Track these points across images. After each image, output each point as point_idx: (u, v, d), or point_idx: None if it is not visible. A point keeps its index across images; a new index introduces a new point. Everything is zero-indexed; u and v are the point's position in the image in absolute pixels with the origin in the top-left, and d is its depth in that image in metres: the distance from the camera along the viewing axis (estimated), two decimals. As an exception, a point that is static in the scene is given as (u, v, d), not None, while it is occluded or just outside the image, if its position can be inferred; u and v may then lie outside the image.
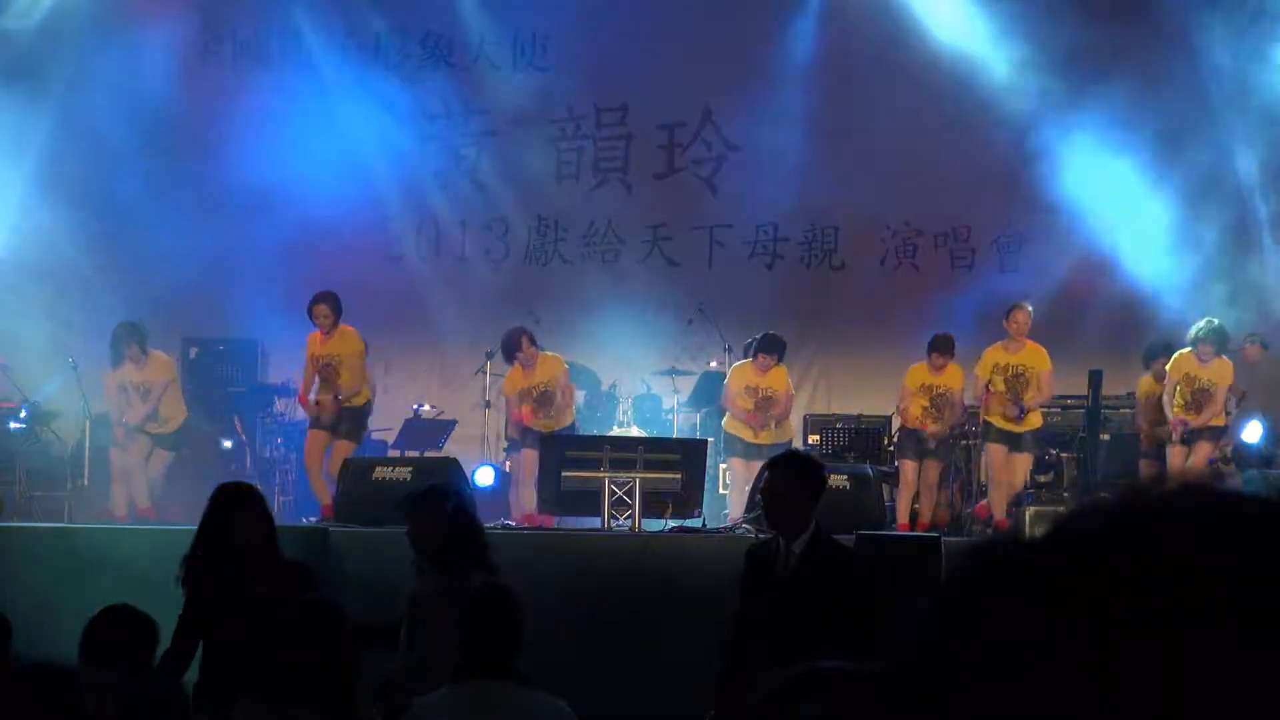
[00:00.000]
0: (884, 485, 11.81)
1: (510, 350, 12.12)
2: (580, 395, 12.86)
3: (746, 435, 12.05)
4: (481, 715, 4.62)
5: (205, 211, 15.16)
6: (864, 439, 13.38)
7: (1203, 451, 11.63)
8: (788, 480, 6.09)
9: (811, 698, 1.60)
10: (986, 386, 11.79)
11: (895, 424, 13.75)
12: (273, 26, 15.62)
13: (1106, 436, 12.81)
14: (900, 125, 15.33)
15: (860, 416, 13.79)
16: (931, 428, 11.85)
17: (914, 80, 15.29)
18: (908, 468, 11.89)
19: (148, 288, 14.27)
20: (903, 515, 11.73)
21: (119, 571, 8.45)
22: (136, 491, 11.80)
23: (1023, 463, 11.86)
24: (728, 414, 12.29)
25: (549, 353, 12.28)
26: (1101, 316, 13.49)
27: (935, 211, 15.64)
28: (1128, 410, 13.35)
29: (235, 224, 15.19)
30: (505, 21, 15.45)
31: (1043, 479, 12.60)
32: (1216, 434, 11.77)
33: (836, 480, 10.17)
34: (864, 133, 15.46)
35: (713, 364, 14.15)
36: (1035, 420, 11.86)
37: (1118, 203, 15.04)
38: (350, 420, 11.68)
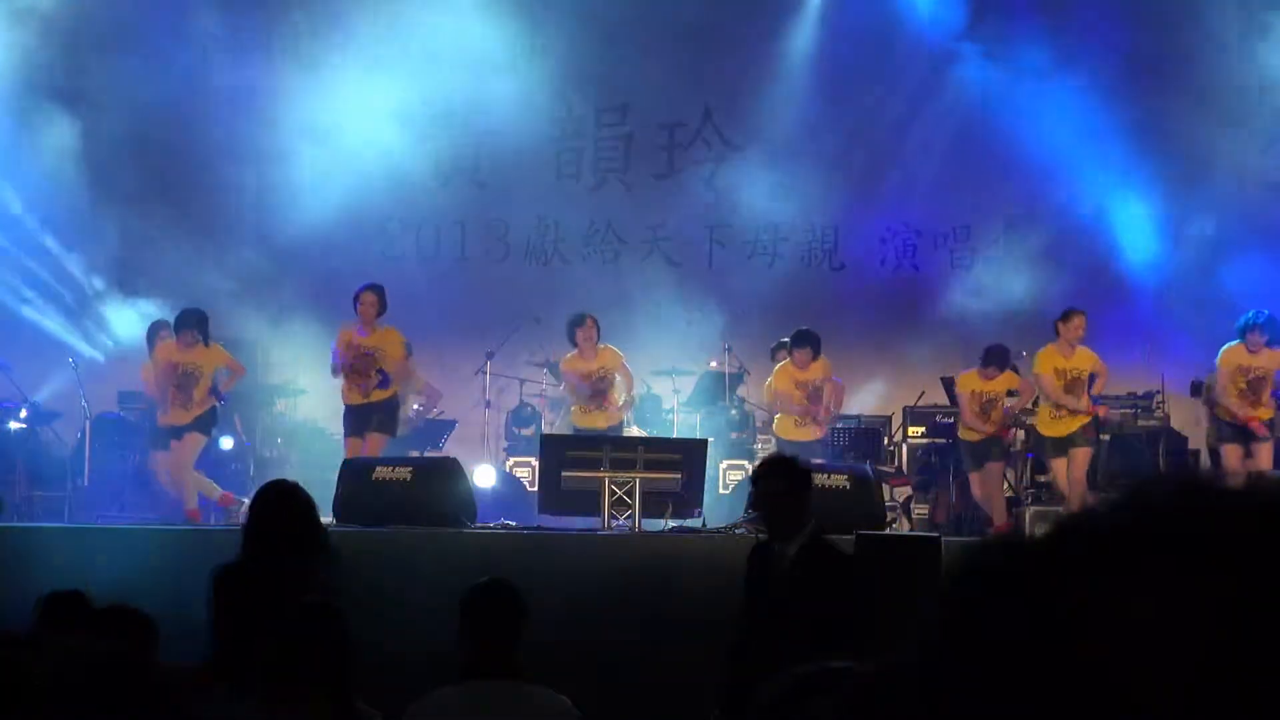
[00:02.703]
0: (883, 485, 11.83)
1: (571, 332, 12.17)
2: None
3: (799, 435, 12.06)
4: (484, 714, 4.62)
5: (206, 212, 15.17)
6: (864, 439, 13.38)
7: (1266, 450, 11.51)
8: (781, 486, 6.18)
9: (819, 697, 1.60)
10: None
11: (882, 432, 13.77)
12: (272, 27, 15.61)
13: (1106, 436, 12.82)
14: (900, 125, 15.34)
15: (860, 416, 13.80)
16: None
17: (913, 80, 15.31)
18: (973, 480, 12.12)
19: (149, 287, 14.27)
20: (1000, 517, 11.90)
21: (118, 571, 8.45)
22: (187, 494, 11.69)
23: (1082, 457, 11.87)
24: (777, 416, 12.34)
25: (609, 345, 12.37)
26: (1102, 317, 13.47)
27: (935, 211, 15.65)
28: (1128, 410, 13.35)
29: (235, 224, 15.20)
30: (505, 21, 15.44)
31: (1043, 479, 12.61)
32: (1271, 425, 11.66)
33: (837, 480, 10.17)
34: (863, 133, 15.46)
35: (713, 364, 14.14)
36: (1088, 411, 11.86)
37: (1119, 202, 15.05)
38: (382, 413, 11.76)
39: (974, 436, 12.10)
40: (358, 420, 11.78)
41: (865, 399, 14.29)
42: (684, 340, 14.76)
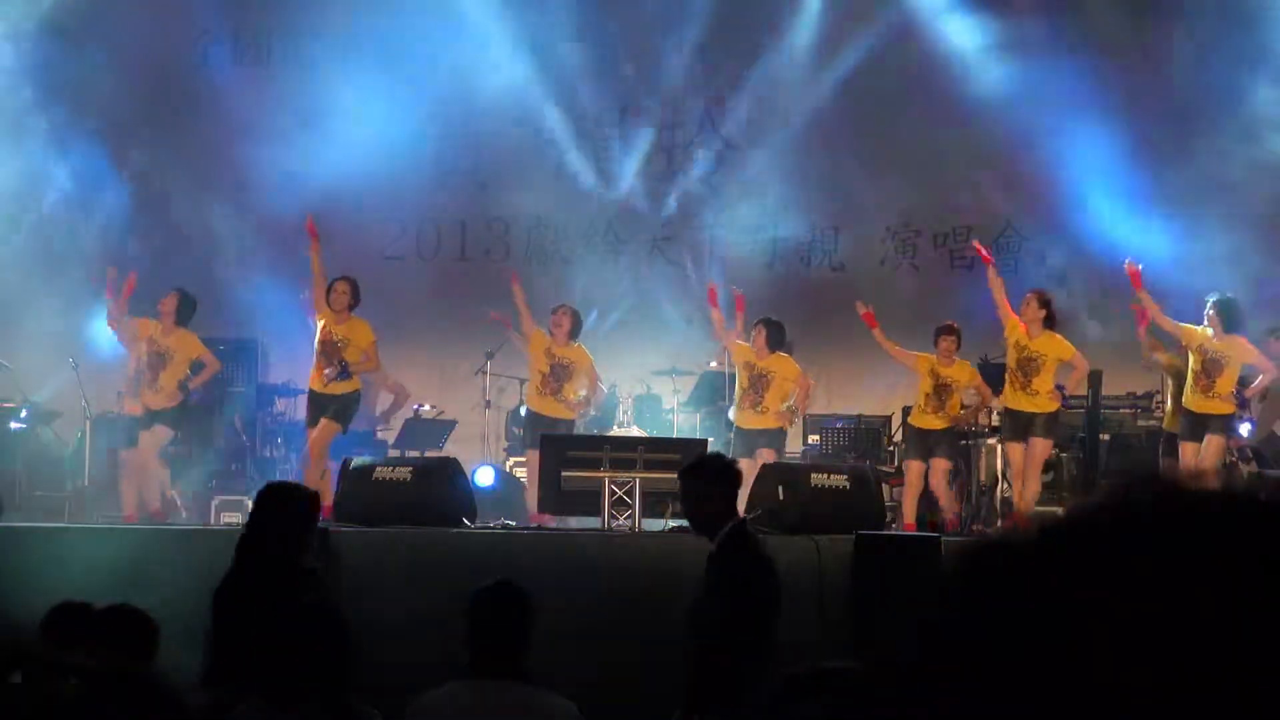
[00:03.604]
0: (883, 485, 11.80)
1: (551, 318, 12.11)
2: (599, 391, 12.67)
3: (745, 423, 11.91)
4: (486, 714, 4.62)
5: (206, 212, 15.16)
6: (864, 439, 13.38)
7: (1215, 445, 11.30)
8: (694, 485, 6.29)
9: (812, 697, 1.60)
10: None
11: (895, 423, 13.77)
12: (273, 25, 15.61)
13: (1106, 436, 12.81)
14: (900, 124, 15.34)
15: (860, 417, 13.79)
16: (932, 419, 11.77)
17: (914, 80, 15.31)
18: (912, 468, 11.82)
19: (148, 288, 14.26)
20: (909, 515, 11.69)
21: (119, 571, 8.45)
22: (148, 491, 11.62)
23: (1042, 448, 11.58)
24: (734, 403, 12.18)
25: (581, 345, 12.28)
26: (1102, 317, 13.50)
27: (935, 211, 15.65)
28: (1128, 410, 13.34)
29: (235, 224, 15.20)
30: (505, 21, 15.44)
31: (1043, 479, 12.58)
32: (1227, 423, 11.45)
33: (837, 480, 10.16)
34: (864, 132, 15.47)
35: (713, 364, 14.15)
36: (1048, 404, 11.57)
37: (1119, 201, 15.04)
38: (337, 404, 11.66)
39: (925, 423, 11.76)
40: (316, 408, 11.66)
41: (865, 399, 14.27)
42: (684, 340, 14.75)
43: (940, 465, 11.76)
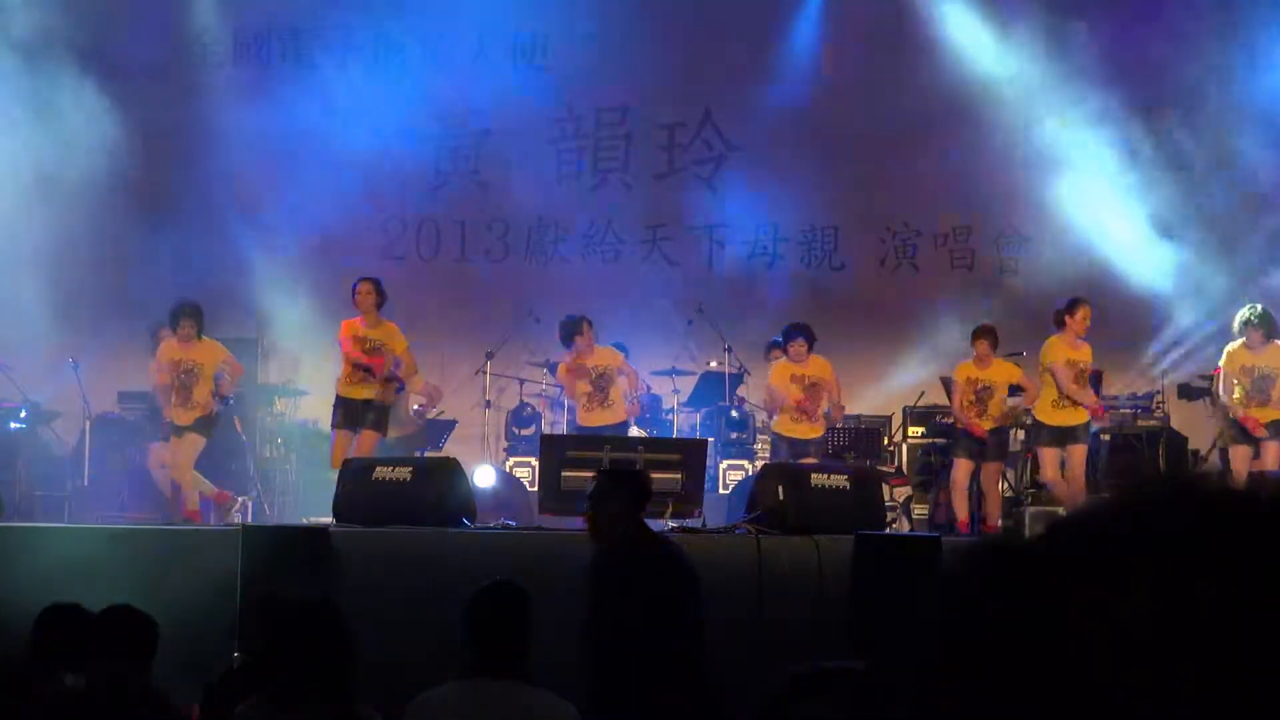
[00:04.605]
0: (883, 485, 11.81)
1: (569, 335, 12.13)
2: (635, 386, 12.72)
3: (797, 433, 11.95)
4: (486, 714, 4.62)
5: (206, 212, 15.17)
6: (864, 439, 13.38)
7: (1273, 452, 11.30)
8: (611, 491, 6.44)
9: (813, 697, 1.60)
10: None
11: (894, 425, 13.79)
12: (273, 27, 15.63)
13: (1106, 437, 12.81)
14: (900, 125, 15.34)
15: (860, 416, 13.80)
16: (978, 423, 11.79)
17: (914, 80, 15.31)
18: (960, 466, 11.85)
19: (149, 288, 14.28)
20: (961, 514, 11.76)
21: (119, 571, 8.44)
22: (186, 494, 11.56)
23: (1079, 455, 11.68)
24: (776, 415, 12.16)
25: (608, 346, 12.42)
26: (1101, 317, 13.50)
27: (935, 211, 15.65)
28: (1127, 410, 13.35)
29: (236, 224, 15.20)
30: (505, 21, 15.45)
31: (1043, 479, 12.60)
32: None
33: (837, 480, 10.16)
34: (864, 132, 15.47)
35: (713, 364, 14.16)
36: (1086, 412, 11.70)
37: (1118, 201, 15.05)
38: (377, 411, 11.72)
39: (974, 427, 11.81)
40: (352, 415, 11.69)
41: (865, 399, 14.28)
42: (684, 340, 14.76)
43: (992, 468, 11.88)
